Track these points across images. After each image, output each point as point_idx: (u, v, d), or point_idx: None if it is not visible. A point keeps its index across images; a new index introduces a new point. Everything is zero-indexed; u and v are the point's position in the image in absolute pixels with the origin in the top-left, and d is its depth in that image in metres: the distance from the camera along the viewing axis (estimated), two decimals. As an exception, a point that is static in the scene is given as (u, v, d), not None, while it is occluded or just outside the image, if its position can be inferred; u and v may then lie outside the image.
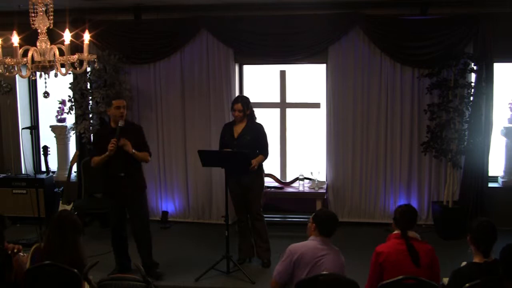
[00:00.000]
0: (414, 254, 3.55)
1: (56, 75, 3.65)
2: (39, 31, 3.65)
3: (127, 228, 5.40)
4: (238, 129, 5.61)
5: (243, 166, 5.34)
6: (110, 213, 5.46)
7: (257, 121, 5.73)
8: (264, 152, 5.58)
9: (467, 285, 3.16)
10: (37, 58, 3.60)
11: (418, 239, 3.67)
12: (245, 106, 5.55)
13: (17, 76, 4.33)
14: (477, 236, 3.34)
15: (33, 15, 3.61)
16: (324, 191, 6.73)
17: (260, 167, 5.65)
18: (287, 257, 3.70)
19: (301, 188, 6.75)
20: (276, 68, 7.04)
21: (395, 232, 3.71)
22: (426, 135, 6.45)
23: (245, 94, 7.24)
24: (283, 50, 6.77)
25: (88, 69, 6.48)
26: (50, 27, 3.68)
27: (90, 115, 6.85)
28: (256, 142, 5.55)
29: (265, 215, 5.79)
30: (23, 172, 7.50)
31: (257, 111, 5.82)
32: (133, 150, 5.13)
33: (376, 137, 6.76)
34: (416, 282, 3.35)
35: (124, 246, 5.46)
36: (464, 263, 3.47)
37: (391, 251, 3.57)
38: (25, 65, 3.60)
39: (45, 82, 3.60)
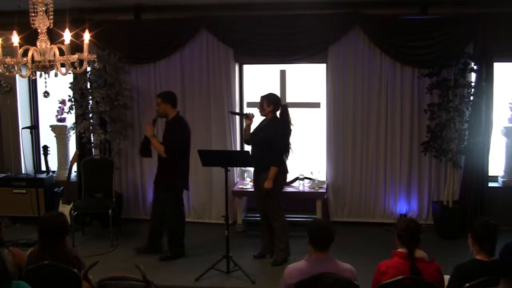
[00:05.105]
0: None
1: (56, 75, 3.65)
2: (39, 31, 3.64)
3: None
4: (262, 124, 5.72)
5: (243, 166, 5.34)
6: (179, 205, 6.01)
7: (292, 124, 5.68)
8: (272, 162, 5.51)
9: (466, 284, 3.17)
10: (37, 57, 3.59)
11: (425, 259, 3.45)
12: (266, 103, 5.60)
13: (17, 76, 4.32)
14: (481, 236, 3.33)
15: (33, 15, 3.60)
16: (324, 191, 6.73)
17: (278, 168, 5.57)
18: (283, 282, 3.50)
19: (301, 188, 6.75)
20: (276, 68, 7.03)
21: (400, 250, 3.47)
22: (426, 135, 6.45)
23: (245, 94, 7.26)
24: (283, 50, 6.77)
25: (88, 69, 6.47)
26: (50, 27, 3.67)
27: (90, 115, 6.85)
28: (268, 142, 5.54)
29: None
30: (23, 172, 7.49)
31: (256, 111, 5.83)
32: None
33: (376, 137, 6.76)
34: (415, 282, 3.34)
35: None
36: None
37: (395, 272, 3.37)
38: (25, 64, 3.59)
39: (45, 82, 3.60)
